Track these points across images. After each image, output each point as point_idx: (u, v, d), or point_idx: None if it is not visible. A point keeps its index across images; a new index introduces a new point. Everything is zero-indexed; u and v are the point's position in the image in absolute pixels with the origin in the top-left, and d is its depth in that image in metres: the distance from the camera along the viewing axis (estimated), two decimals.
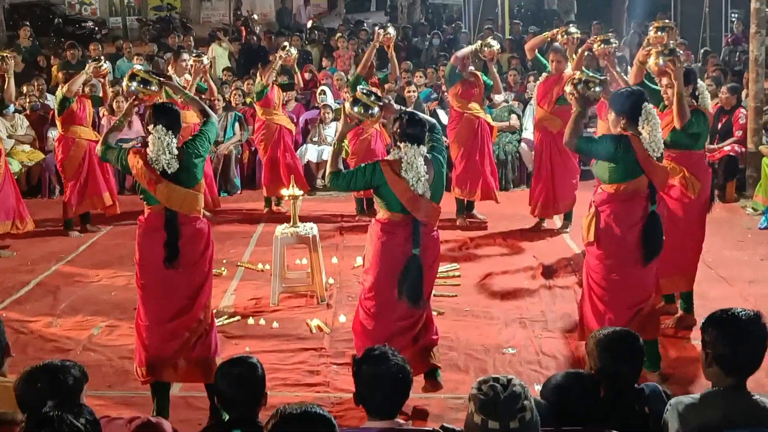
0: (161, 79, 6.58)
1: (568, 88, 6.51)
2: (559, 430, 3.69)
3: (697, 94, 7.11)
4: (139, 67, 8.89)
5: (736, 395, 3.67)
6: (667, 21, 9.06)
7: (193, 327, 5.85)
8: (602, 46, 9.00)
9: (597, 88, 6.53)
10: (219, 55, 17.81)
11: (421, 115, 5.86)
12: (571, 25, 10.59)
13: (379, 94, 6.51)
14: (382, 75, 11.69)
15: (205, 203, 11.05)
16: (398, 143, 5.68)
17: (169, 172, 5.71)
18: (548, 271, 8.88)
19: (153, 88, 6.39)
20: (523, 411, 3.20)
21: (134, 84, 6.34)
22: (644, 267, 6.09)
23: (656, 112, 6.22)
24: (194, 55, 11.45)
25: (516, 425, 3.17)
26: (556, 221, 10.55)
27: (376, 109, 5.94)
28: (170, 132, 5.74)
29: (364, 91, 6.16)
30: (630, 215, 6.06)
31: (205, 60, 11.26)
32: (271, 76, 11.24)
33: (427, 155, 5.68)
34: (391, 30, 10.93)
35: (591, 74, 6.66)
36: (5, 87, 10.10)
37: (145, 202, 5.91)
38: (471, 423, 3.26)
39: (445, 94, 12.93)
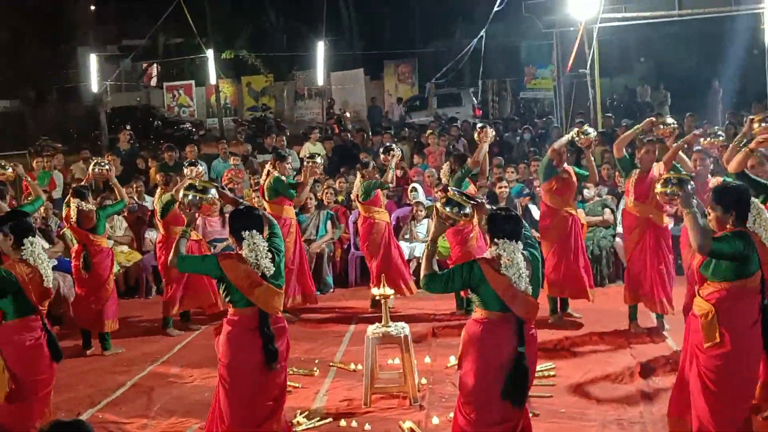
0: (216, 186, 6.77)
1: (659, 188, 6.42)
2: None
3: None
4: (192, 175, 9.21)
5: None
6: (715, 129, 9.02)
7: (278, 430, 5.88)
8: (710, 140, 8.96)
9: (691, 186, 6.42)
10: (312, 152, 18.12)
11: (513, 211, 5.86)
12: (665, 114, 10.49)
13: (472, 193, 6.51)
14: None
15: (305, 299, 11.37)
16: (495, 240, 5.65)
17: (268, 275, 5.84)
18: (646, 371, 8.64)
19: (210, 195, 6.59)
20: None
21: (191, 194, 6.53)
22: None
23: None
24: (307, 157, 11.78)
25: None
26: (653, 317, 10.29)
27: (468, 208, 5.94)
28: (260, 235, 5.87)
29: (456, 191, 6.18)
30: (751, 311, 5.96)
31: (319, 160, 11.57)
32: (388, 175, 11.53)
33: (524, 251, 5.64)
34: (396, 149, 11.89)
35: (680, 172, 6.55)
36: (116, 191, 10.87)
37: (231, 305, 5.99)
38: None
39: (538, 189, 12.92)
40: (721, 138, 9.11)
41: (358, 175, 11.85)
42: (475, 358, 5.68)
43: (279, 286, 6.10)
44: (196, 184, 6.74)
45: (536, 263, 5.73)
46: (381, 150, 12.11)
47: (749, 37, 21.84)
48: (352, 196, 12.25)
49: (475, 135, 11.34)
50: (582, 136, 10.45)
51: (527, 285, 5.56)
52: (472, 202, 6.00)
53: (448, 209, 5.94)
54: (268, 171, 11.40)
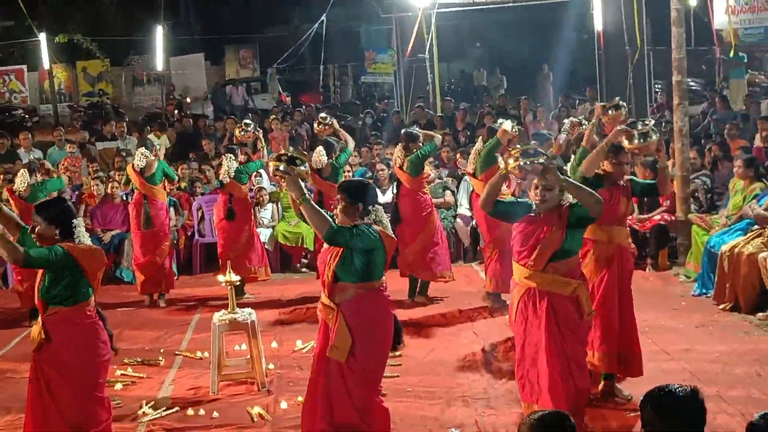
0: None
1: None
2: None
3: None
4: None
5: None
6: (618, 100, 9.02)
7: None
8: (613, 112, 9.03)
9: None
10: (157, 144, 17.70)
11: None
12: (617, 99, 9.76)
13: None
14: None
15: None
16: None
17: None
18: (490, 346, 8.86)
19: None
20: None
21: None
22: None
23: None
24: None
25: None
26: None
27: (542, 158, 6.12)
28: None
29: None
30: None
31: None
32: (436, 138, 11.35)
33: None
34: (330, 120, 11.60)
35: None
36: None
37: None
38: None
39: (380, 172, 13.03)
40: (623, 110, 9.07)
41: (399, 146, 10.90)
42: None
43: None
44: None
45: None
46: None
47: (579, 22, 22.64)
48: (395, 169, 10.94)
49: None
50: (613, 111, 8.50)
51: None
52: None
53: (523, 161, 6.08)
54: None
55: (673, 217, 11.62)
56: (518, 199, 6.82)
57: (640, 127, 7.31)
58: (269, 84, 33.13)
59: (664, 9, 12.42)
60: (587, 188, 6.08)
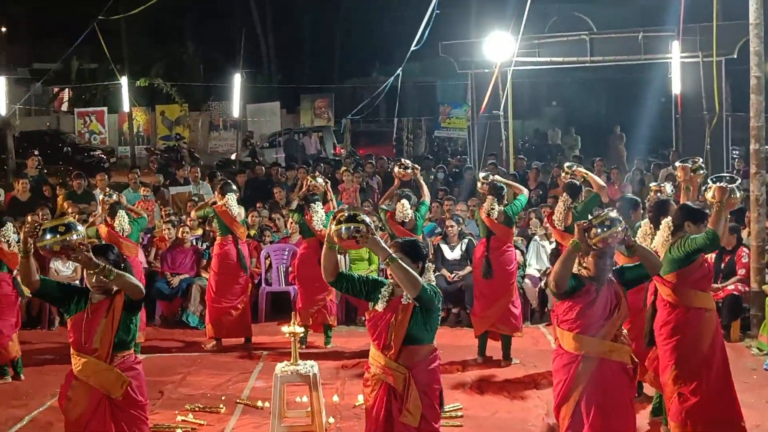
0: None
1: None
2: None
3: None
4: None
5: None
6: (697, 160, 9.18)
7: None
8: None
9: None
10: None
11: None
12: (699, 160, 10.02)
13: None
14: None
15: None
16: None
17: None
18: (553, 414, 8.68)
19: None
20: None
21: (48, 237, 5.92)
22: None
23: None
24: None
25: None
26: None
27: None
28: None
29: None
30: None
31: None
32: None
33: None
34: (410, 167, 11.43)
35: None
36: None
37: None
38: None
39: (449, 228, 12.98)
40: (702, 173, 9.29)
41: (489, 197, 10.65)
42: None
43: None
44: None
45: None
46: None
47: (658, 85, 22.44)
48: (555, 221, 10.45)
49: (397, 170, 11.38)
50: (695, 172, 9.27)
51: None
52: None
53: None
54: None
55: (747, 288, 11.36)
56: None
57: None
58: (343, 135, 33.46)
59: (744, 75, 12.26)
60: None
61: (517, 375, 10.11)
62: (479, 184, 10.85)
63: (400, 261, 5.58)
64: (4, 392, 9.77)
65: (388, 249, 5.65)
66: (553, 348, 10.22)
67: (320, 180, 11.58)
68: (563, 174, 10.78)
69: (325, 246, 5.71)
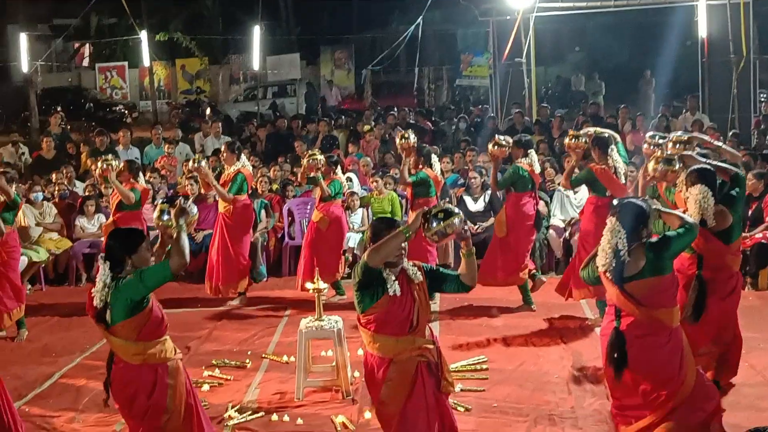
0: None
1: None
2: None
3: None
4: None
5: None
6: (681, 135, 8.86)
7: None
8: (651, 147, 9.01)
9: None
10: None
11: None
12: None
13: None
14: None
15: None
16: None
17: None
18: (578, 365, 8.72)
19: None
20: None
21: (164, 217, 6.05)
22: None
23: None
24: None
25: None
26: (586, 311, 10.38)
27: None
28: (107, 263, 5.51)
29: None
30: None
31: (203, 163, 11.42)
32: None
33: None
34: (411, 136, 11.11)
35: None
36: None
37: None
38: None
39: (472, 180, 12.96)
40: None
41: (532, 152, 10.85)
42: None
43: (108, 323, 5.57)
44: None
45: None
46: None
47: (683, 28, 22.11)
48: (534, 176, 10.75)
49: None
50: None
51: None
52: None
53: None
54: None
55: None
56: None
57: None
58: (363, 87, 33.31)
59: None
60: None
61: (542, 327, 10.13)
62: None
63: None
64: (34, 350, 9.92)
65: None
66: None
67: (320, 157, 11.40)
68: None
69: (400, 235, 5.42)
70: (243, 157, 11.61)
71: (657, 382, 5.86)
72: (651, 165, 8.11)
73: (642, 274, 5.79)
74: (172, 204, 5.92)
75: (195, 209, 6.08)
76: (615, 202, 6.13)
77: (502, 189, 10.81)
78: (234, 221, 11.28)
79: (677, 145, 8.27)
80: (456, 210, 5.56)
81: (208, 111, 28.73)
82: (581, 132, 10.41)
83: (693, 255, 7.12)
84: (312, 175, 11.19)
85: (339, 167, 11.61)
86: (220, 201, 11.35)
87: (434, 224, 5.47)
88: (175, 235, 5.68)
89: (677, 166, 7.82)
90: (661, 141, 8.82)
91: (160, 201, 6.37)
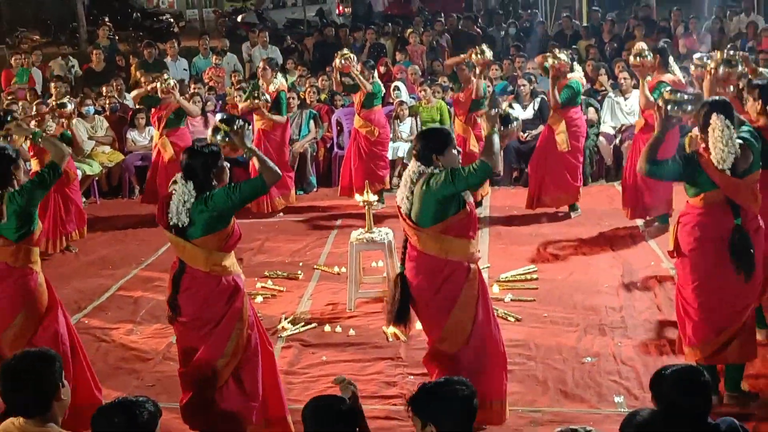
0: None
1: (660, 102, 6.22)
2: None
3: None
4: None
5: None
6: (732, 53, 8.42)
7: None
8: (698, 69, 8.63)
9: (689, 107, 6.25)
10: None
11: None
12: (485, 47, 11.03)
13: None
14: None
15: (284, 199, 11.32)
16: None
17: (180, 226, 5.43)
18: (629, 273, 8.71)
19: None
20: None
21: (219, 137, 6.05)
22: (744, 282, 5.81)
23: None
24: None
25: None
26: (639, 222, 10.30)
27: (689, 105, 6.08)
28: (189, 183, 5.44)
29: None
30: (714, 227, 5.81)
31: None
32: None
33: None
34: (488, 53, 11.12)
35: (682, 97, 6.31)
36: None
37: None
38: None
39: (521, 87, 12.81)
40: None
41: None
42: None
43: (188, 237, 5.45)
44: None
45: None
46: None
47: None
48: None
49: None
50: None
51: None
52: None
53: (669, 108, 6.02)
54: None
55: None
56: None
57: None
58: None
59: None
60: None
61: (591, 234, 10.09)
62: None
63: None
64: (91, 262, 10.09)
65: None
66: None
67: (352, 55, 11.52)
68: None
69: (494, 134, 5.56)
70: (279, 74, 11.69)
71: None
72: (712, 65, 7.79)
73: (752, 168, 5.80)
74: (229, 124, 5.91)
75: (250, 129, 6.09)
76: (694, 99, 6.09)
77: (564, 106, 10.57)
78: (276, 136, 11.35)
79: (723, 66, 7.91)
80: (515, 115, 5.83)
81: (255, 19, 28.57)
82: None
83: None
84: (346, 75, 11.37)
85: (375, 72, 11.68)
86: (259, 117, 11.37)
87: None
88: (254, 158, 5.70)
89: (740, 68, 7.58)
90: (708, 60, 8.51)
91: (218, 119, 6.34)
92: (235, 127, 5.81)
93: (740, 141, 5.78)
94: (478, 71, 10.86)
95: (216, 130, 5.98)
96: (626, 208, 10.04)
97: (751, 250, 5.79)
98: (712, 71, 7.41)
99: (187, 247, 5.45)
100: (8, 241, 5.78)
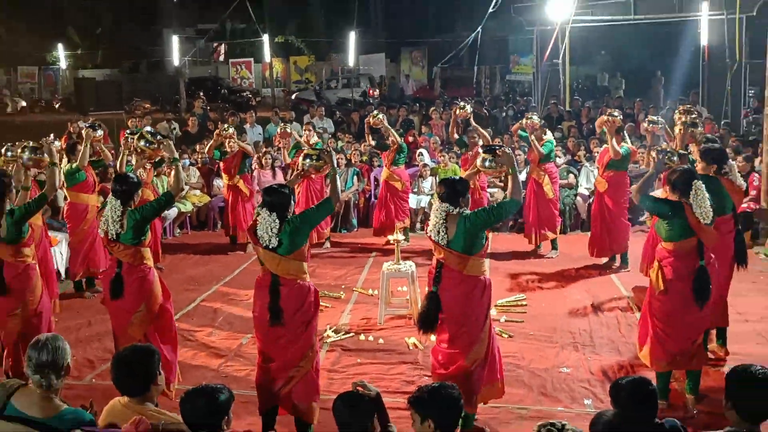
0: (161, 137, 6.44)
1: (653, 154, 6.32)
2: None
3: (724, 171, 6.78)
4: (148, 128, 8.66)
5: None
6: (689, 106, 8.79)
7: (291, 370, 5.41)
8: (650, 125, 8.95)
9: (675, 158, 6.32)
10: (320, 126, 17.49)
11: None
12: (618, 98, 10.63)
13: None
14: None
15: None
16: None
17: (270, 246, 5.33)
18: (597, 303, 8.63)
19: (154, 146, 6.38)
20: None
21: (141, 143, 6.21)
22: (699, 310, 5.83)
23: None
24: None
25: None
26: (603, 260, 10.23)
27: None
28: (270, 212, 5.36)
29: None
30: (684, 269, 5.80)
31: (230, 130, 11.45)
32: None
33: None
34: (468, 107, 11.38)
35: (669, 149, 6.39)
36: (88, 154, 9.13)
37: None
38: None
39: (518, 156, 12.77)
40: (659, 125, 9.07)
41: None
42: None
43: (281, 253, 5.34)
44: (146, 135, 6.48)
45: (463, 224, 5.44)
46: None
47: (688, 38, 21.36)
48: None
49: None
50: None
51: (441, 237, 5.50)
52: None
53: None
54: None
55: (757, 205, 10.95)
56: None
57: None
58: (434, 81, 32.92)
59: (761, 29, 11.61)
60: None
61: (568, 271, 10.02)
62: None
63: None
64: (181, 280, 10.06)
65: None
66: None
67: (381, 116, 11.64)
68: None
69: (515, 172, 5.63)
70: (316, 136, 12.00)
71: None
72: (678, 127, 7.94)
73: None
74: (315, 155, 6.08)
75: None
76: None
77: (544, 162, 10.62)
78: (317, 183, 11.23)
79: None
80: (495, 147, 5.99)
81: (314, 97, 28.79)
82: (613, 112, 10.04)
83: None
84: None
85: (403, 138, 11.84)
86: None
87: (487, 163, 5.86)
88: (330, 179, 5.74)
89: (699, 128, 7.72)
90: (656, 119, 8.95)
91: (305, 149, 6.63)
92: (322, 153, 6.08)
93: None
94: (453, 119, 11.20)
95: (306, 155, 6.09)
96: (591, 248, 10.00)
97: (710, 286, 5.78)
98: (682, 129, 7.59)
99: (281, 260, 5.36)
100: (126, 245, 5.89)
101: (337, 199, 5.57)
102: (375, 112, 11.88)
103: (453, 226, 5.39)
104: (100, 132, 9.45)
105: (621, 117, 9.90)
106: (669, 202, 5.91)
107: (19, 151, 7.44)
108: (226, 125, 11.92)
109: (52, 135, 9.35)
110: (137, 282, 5.92)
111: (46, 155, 6.95)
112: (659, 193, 7.64)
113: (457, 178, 5.64)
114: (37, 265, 6.42)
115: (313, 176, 8.56)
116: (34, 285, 6.27)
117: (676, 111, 8.50)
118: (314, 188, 11.14)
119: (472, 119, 11.42)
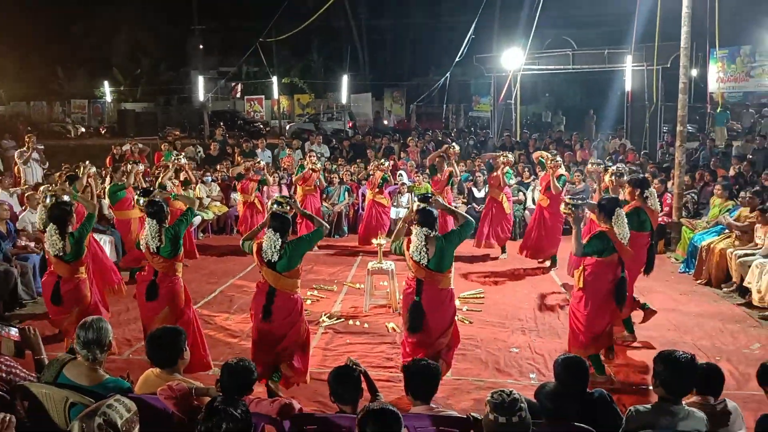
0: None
1: (564, 210, 6.23)
2: (543, 422, 3.52)
3: (645, 196, 6.84)
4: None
5: (675, 407, 3.52)
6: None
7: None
8: (593, 167, 8.99)
9: (586, 206, 6.34)
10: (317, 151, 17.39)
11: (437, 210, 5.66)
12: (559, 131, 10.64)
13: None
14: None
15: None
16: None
17: (272, 261, 5.36)
18: (540, 296, 8.68)
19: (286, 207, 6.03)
20: (521, 411, 3.11)
21: (276, 205, 5.99)
22: (615, 307, 5.90)
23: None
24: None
25: (516, 419, 3.09)
26: (546, 262, 10.28)
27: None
28: (277, 234, 5.36)
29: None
30: (606, 276, 5.84)
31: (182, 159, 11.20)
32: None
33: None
34: (457, 147, 11.37)
35: (575, 200, 6.29)
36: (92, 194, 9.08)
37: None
38: (487, 419, 3.16)
39: (478, 176, 12.85)
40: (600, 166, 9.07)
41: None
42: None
43: (281, 270, 5.36)
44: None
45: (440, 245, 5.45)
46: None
47: (616, 83, 21.59)
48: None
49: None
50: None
51: (421, 258, 5.45)
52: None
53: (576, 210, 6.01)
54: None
55: (669, 219, 11.07)
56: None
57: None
58: (411, 115, 32.96)
59: (675, 78, 11.75)
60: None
61: (517, 270, 10.02)
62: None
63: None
64: (204, 274, 9.98)
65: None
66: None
67: (387, 163, 11.78)
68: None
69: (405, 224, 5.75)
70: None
71: None
72: (607, 177, 7.95)
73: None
74: (285, 202, 5.98)
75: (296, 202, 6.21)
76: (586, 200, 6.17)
77: (504, 186, 10.66)
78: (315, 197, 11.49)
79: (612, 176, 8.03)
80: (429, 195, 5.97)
81: (313, 128, 28.77)
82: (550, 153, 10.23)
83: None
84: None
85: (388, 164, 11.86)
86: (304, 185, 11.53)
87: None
88: (306, 216, 5.95)
89: (625, 177, 7.68)
90: (601, 162, 8.85)
91: (276, 195, 6.53)
92: (288, 200, 5.98)
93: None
94: (452, 160, 10.91)
95: (274, 202, 6.02)
96: (524, 250, 10.05)
97: (626, 292, 5.90)
98: (614, 180, 7.61)
99: (279, 277, 5.39)
100: (165, 258, 5.83)
101: (323, 227, 5.67)
102: (381, 160, 11.90)
103: (432, 246, 5.41)
104: (93, 169, 9.38)
105: (513, 157, 10.18)
106: (597, 238, 5.84)
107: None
108: (176, 153, 11.91)
109: (87, 161, 9.35)
110: (167, 289, 5.88)
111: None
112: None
113: (429, 210, 5.57)
114: (87, 279, 6.34)
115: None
116: (83, 296, 6.26)
117: (606, 173, 8.18)
118: (315, 206, 11.26)
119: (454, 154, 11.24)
